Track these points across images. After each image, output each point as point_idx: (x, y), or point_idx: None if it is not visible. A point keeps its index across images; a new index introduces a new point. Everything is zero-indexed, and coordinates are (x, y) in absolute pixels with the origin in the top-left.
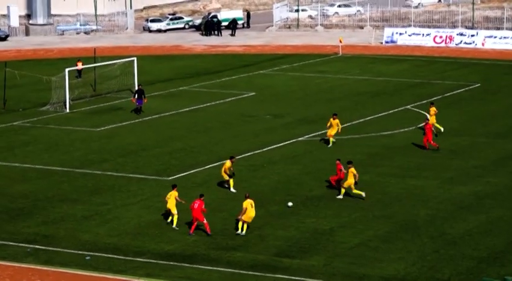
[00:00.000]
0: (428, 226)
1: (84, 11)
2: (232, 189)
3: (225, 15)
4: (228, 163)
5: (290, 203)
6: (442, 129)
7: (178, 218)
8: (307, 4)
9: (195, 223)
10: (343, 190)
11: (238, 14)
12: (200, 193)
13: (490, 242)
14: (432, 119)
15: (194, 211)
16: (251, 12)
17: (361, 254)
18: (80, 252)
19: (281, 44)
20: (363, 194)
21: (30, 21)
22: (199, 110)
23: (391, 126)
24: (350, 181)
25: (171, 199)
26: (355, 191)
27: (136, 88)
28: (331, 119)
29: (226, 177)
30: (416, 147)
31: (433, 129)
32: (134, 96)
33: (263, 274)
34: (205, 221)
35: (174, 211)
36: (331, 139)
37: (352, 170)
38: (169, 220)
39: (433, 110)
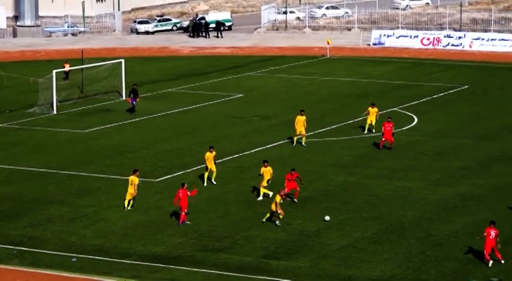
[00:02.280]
0: (415, 228)
1: (72, 13)
2: (208, 181)
3: (213, 17)
4: (207, 154)
5: (327, 218)
6: (370, 129)
7: (130, 201)
8: (295, 6)
9: (183, 213)
10: (262, 190)
11: (226, 16)
12: (181, 183)
13: (476, 244)
14: (373, 118)
15: (180, 201)
16: (239, 14)
17: (347, 255)
18: (66, 254)
19: (269, 45)
20: (260, 198)
21: (18, 23)
22: (187, 111)
23: (378, 128)
24: (264, 181)
25: (133, 185)
26: (263, 190)
27: (131, 88)
28: (299, 116)
29: (210, 168)
30: (403, 148)
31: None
32: (129, 95)
33: (249, 275)
34: (183, 213)
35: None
36: (296, 138)
37: (268, 169)
38: (130, 205)
39: (374, 110)
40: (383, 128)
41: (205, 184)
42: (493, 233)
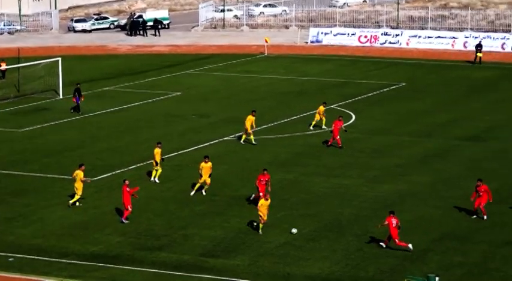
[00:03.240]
0: (353, 225)
1: (8, 11)
2: (155, 179)
3: (150, 15)
4: (156, 150)
5: (294, 230)
6: (316, 125)
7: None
8: (232, 4)
9: (126, 211)
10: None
11: (163, 14)
12: (123, 179)
13: (413, 241)
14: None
15: (123, 197)
16: (176, 12)
17: (286, 253)
18: (3, 254)
19: (207, 44)
20: (192, 193)
21: None
22: (125, 110)
23: (316, 126)
24: (205, 177)
25: (78, 179)
26: (199, 184)
27: (75, 87)
28: (250, 116)
29: (154, 164)
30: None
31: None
32: (74, 95)
33: (188, 274)
34: (127, 209)
35: (80, 192)
36: (246, 137)
37: (206, 165)
38: (73, 201)
39: (322, 109)
40: (334, 125)
41: (152, 179)
42: (394, 221)
